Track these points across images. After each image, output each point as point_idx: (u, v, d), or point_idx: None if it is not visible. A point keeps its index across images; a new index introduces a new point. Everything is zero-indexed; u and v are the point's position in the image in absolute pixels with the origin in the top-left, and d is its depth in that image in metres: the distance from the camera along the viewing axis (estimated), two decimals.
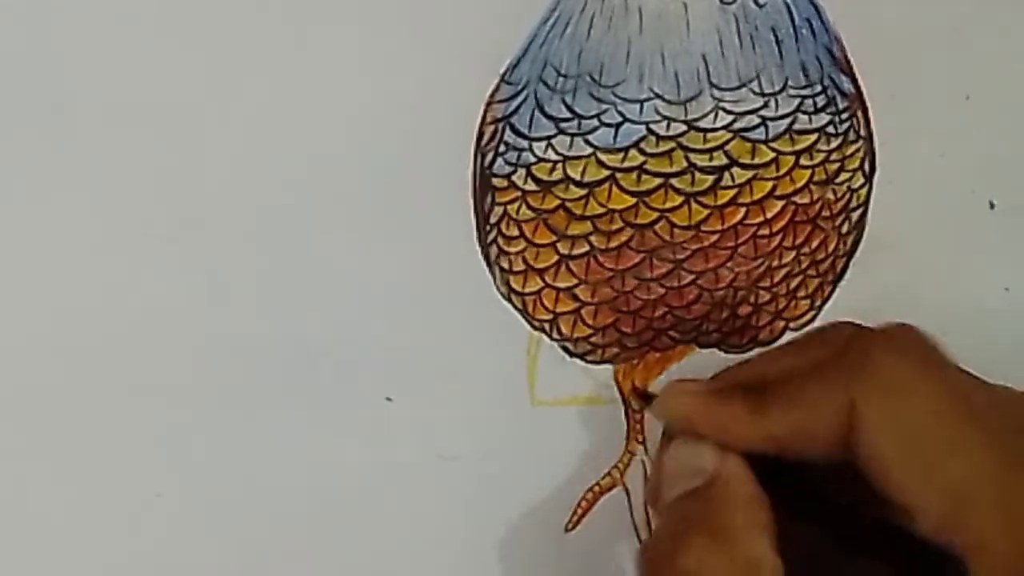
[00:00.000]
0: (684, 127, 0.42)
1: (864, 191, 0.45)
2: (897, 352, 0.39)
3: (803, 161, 0.44)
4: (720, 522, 0.38)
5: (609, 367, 0.45)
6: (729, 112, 0.43)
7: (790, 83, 0.43)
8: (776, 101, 0.43)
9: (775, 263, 0.45)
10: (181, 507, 0.41)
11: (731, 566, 0.37)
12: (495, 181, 0.42)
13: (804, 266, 0.45)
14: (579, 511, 0.45)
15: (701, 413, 0.40)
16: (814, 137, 0.44)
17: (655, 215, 0.43)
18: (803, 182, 0.44)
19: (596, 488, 0.45)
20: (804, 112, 0.44)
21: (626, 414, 0.45)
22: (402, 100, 0.41)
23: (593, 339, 0.44)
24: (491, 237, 0.43)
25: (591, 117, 0.42)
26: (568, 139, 0.42)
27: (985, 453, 0.38)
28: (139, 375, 0.40)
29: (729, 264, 0.44)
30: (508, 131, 0.42)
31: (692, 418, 0.40)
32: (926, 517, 0.38)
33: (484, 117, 0.42)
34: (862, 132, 0.45)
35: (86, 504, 0.40)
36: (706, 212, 0.43)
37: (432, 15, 0.40)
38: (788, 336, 0.46)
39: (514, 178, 0.42)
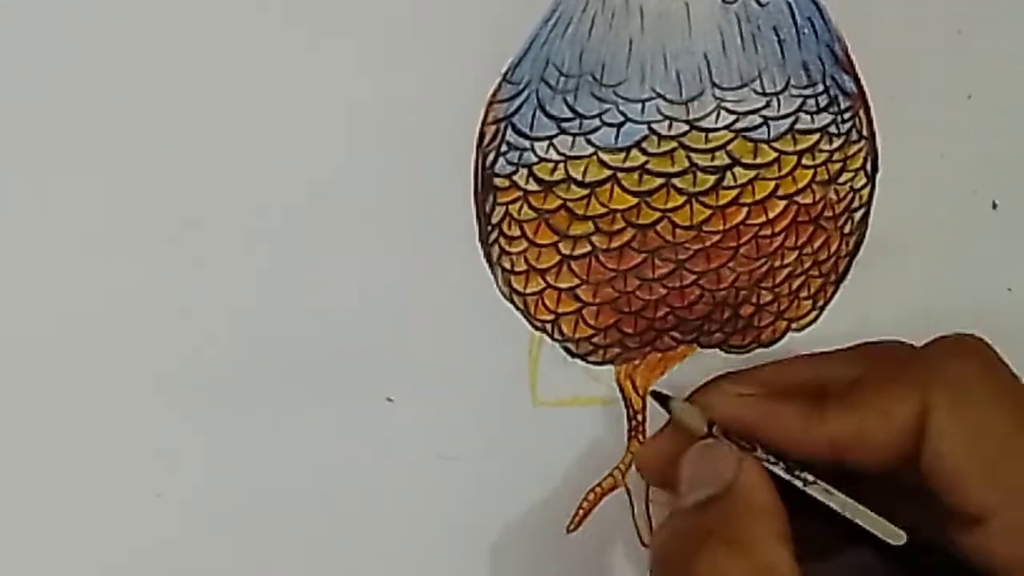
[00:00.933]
0: (686, 127, 0.42)
1: (866, 191, 0.45)
2: (972, 360, 0.39)
3: (805, 161, 0.44)
4: (737, 532, 0.37)
5: (611, 367, 0.45)
6: (731, 112, 0.43)
7: (792, 82, 0.43)
8: (778, 101, 0.43)
9: (777, 263, 0.45)
10: (181, 507, 0.41)
11: (749, 574, 0.37)
12: (497, 181, 0.42)
13: (806, 266, 0.45)
14: (580, 512, 0.45)
15: (755, 416, 0.40)
16: (816, 137, 0.44)
17: (657, 215, 0.43)
18: (805, 182, 0.44)
19: (598, 489, 0.45)
20: (806, 112, 0.43)
21: (628, 415, 0.45)
22: (403, 100, 0.41)
23: (595, 339, 0.44)
24: (493, 237, 0.43)
25: (593, 117, 0.42)
26: (570, 139, 0.42)
27: None
28: (139, 375, 0.40)
29: (731, 264, 0.44)
30: (510, 131, 0.42)
31: (745, 421, 0.40)
32: (995, 523, 0.38)
33: (485, 117, 0.42)
34: (864, 132, 0.45)
35: (86, 504, 0.40)
36: (708, 212, 0.43)
37: (433, 15, 0.40)
38: (790, 336, 0.46)
39: (516, 178, 0.42)
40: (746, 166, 0.43)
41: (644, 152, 0.42)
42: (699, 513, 0.38)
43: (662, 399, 0.42)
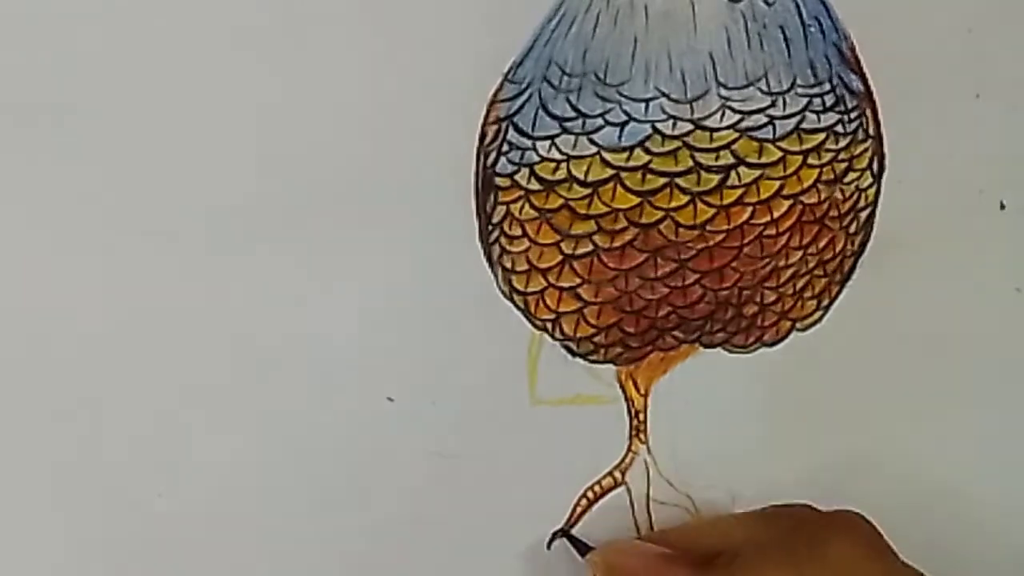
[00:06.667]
0: (690, 126, 0.42)
1: (872, 191, 0.45)
2: (848, 542, 0.41)
3: (811, 160, 0.43)
4: None
5: (612, 367, 0.45)
6: (736, 111, 0.42)
7: (798, 82, 0.43)
8: (784, 100, 0.43)
9: (782, 263, 0.44)
10: (181, 507, 0.41)
11: None
12: (498, 180, 0.42)
13: (811, 266, 0.45)
14: (578, 510, 0.45)
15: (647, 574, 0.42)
16: (822, 136, 0.43)
17: (660, 214, 0.43)
18: (811, 181, 0.44)
19: (596, 488, 0.45)
20: (812, 111, 0.43)
21: (629, 414, 0.45)
22: (404, 99, 0.40)
23: (596, 339, 0.44)
24: (494, 237, 0.42)
25: (596, 116, 0.42)
26: (572, 138, 0.42)
27: None
28: (139, 374, 0.40)
29: (735, 264, 0.44)
30: (511, 130, 0.42)
31: None
32: None
33: (487, 116, 0.41)
34: (871, 131, 0.44)
35: (87, 503, 0.40)
36: (712, 212, 0.43)
37: (435, 14, 0.40)
38: (794, 336, 0.46)
39: (517, 177, 0.42)
40: (751, 165, 0.43)
41: (648, 151, 0.42)
42: None
43: (581, 548, 0.44)
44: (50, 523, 0.40)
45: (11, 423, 0.39)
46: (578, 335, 0.44)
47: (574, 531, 0.45)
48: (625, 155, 0.42)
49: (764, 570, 0.40)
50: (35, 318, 0.39)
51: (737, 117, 0.42)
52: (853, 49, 0.43)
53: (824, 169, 0.44)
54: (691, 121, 0.42)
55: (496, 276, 0.43)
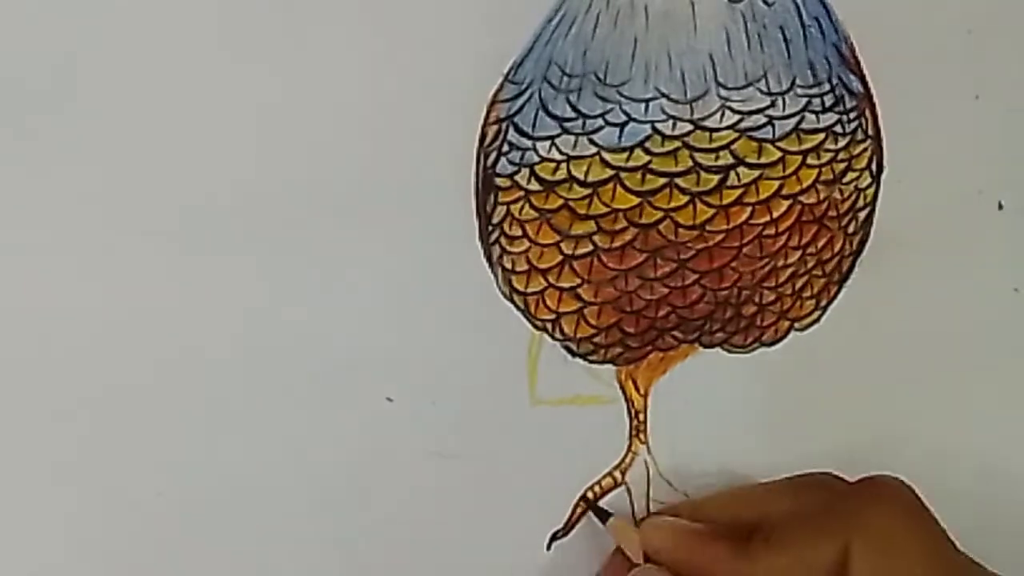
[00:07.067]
0: (690, 126, 0.42)
1: (871, 191, 0.45)
2: (894, 508, 0.41)
3: (810, 160, 0.43)
4: None
5: (612, 367, 0.45)
6: (736, 111, 0.42)
7: (798, 82, 0.43)
8: (783, 100, 0.43)
9: (780, 263, 0.44)
10: (181, 507, 0.41)
11: None
12: (498, 181, 0.42)
13: (810, 266, 0.45)
14: (578, 510, 0.45)
15: (683, 552, 0.42)
16: (821, 136, 0.43)
17: (659, 215, 0.43)
18: (810, 182, 0.44)
19: (596, 488, 0.45)
20: (811, 111, 0.43)
21: (629, 414, 0.45)
22: (404, 100, 0.40)
23: (596, 339, 0.44)
24: (494, 237, 0.42)
25: (596, 116, 0.42)
26: (572, 139, 0.42)
27: None
28: (139, 374, 0.40)
29: (734, 264, 0.44)
30: (512, 131, 0.42)
31: (676, 555, 0.42)
32: None
33: (487, 117, 0.41)
34: (870, 131, 0.44)
35: (86, 503, 0.40)
36: (711, 212, 0.43)
37: (435, 14, 0.40)
38: (793, 336, 0.46)
39: (517, 178, 0.42)
40: (750, 166, 0.43)
41: (647, 152, 0.42)
42: None
43: (601, 515, 0.44)
44: (50, 523, 0.40)
45: (11, 423, 0.39)
46: (578, 335, 0.44)
47: (577, 531, 0.45)
48: (625, 155, 0.42)
49: (804, 539, 0.40)
50: (35, 318, 0.39)
51: (736, 117, 0.42)
52: (853, 50, 0.43)
53: (823, 169, 0.44)
54: (691, 121, 0.42)
55: (496, 276, 0.43)
